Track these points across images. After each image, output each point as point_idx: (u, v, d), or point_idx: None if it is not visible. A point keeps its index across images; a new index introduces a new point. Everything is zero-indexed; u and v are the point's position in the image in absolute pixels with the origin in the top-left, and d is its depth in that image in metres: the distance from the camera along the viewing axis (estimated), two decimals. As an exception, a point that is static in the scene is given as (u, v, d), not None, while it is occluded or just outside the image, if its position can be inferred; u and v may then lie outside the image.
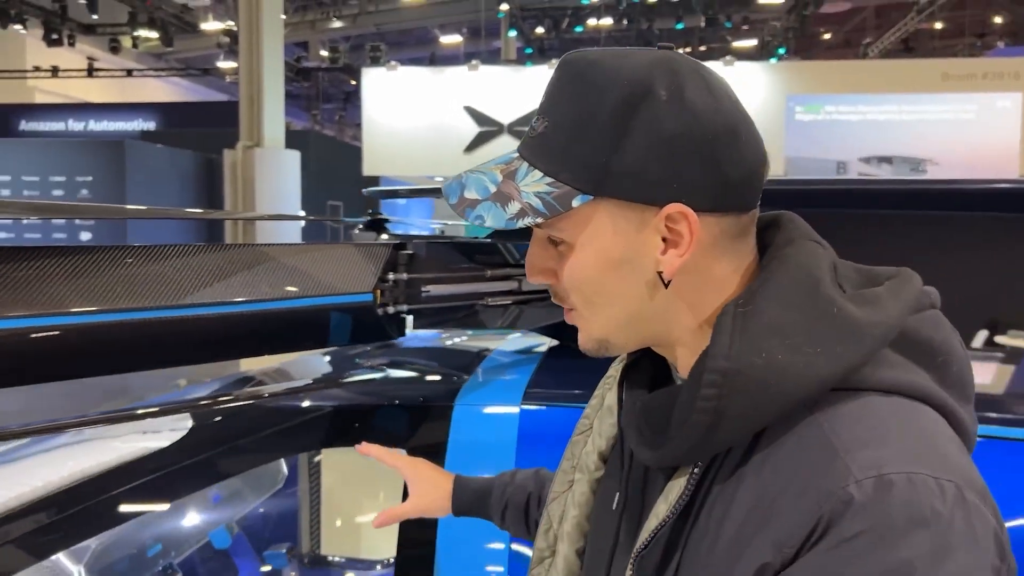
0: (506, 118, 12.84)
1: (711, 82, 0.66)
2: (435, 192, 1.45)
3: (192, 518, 2.03)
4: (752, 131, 0.67)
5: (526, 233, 0.72)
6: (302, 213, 10.19)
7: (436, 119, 12.94)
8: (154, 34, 16.04)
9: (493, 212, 0.66)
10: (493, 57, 17.42)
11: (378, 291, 1.43)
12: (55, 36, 15.45)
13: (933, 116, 12.13)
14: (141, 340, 1.11)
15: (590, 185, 0.65)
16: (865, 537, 0.55)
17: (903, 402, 0.63)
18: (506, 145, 11.81)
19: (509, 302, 1.70)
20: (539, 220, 0.66)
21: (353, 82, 16.84)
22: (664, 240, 0.66)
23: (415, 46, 20.66)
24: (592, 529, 0.84)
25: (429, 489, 1.11)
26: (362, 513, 2.47)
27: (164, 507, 1.66)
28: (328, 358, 1.95)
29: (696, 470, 0.66)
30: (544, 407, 1.46)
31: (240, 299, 1.22)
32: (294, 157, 9.79)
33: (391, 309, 1.48)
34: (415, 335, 2.20)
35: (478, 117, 12.94)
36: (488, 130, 12.95)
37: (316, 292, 1.33)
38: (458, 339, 2.19)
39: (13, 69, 17.66)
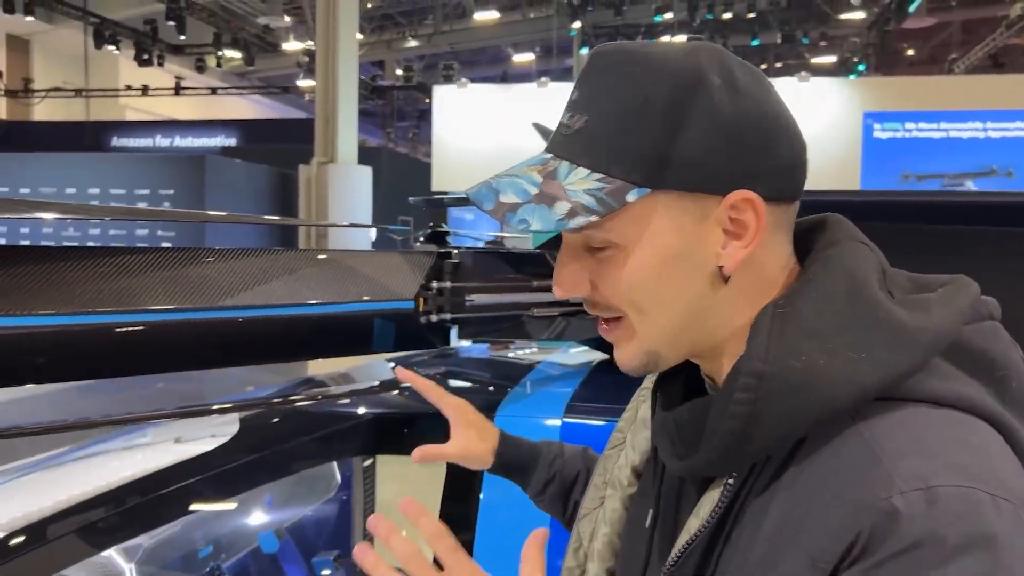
0: (573, 135, 12.88)
1: (752, 70, 0.66)
2: None
3: (243, 522, 2.06)
4: (792, 117, 0.66)
5: None
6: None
7: (504, 135, 13.02)
8: (237, 54, 16.71)
9: (539, 214, 0.62)
10: (565, 75, 17.44)
11: (420, 299, 1.43)
12: (146, 56, 16.23)
13: (1021, 133, 11.63)
14: (181, 341, 1.13)
15: (646, 178, 0.62)
16: (913, 554, 0.50)
17: (956, 415, 0.58)
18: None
19: (556, 313, 1.68)
20: (593, 218, 0.61)
21: (427, 100, 17.11)
22: (724, 232, 0.63)
23: (488, 65, 20.89)
24: (623, 547, 0.79)
25: (473, 436, 1.04)
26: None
27: (206, 510, 1.69)
28: (392, 364, 1.96)
29: (730, 482, 0.62)
30: (586, 421, 1.43)
31: (281, 303, 1.23)
32: (366, 173, 10.00)
33: (434, 317, 1.48)
34: (479, 345, 2.19)
35: (545, 133, 12.93)
36: (555, 146, 12.99)
37: (358, 298, 1.34)
38: (526, 350, 2.17)
39: (107, 88, 18.57)
